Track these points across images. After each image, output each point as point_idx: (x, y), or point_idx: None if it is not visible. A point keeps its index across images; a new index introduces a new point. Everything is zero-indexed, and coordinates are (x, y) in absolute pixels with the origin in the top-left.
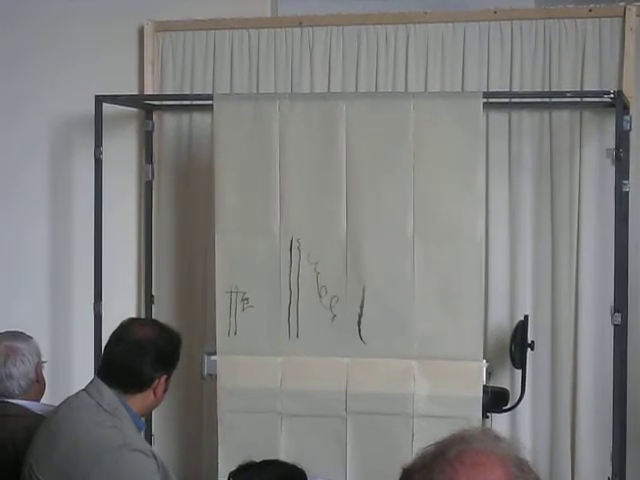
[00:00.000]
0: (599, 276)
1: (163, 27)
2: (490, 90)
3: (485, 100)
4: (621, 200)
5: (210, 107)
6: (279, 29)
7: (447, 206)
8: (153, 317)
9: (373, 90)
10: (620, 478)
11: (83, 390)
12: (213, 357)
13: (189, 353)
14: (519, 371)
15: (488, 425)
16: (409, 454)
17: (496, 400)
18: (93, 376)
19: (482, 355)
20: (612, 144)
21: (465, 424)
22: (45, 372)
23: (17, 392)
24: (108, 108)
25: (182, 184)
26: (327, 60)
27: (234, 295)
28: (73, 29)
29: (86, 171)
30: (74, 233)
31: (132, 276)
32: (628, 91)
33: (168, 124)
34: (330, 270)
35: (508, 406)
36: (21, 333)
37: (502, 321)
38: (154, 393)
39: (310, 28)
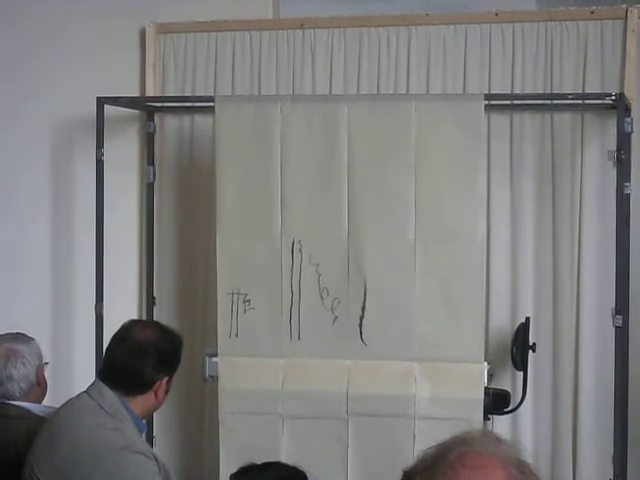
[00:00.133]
0: (600, 278)
1: (165, 29)
2: (492, 92)
3: (487, 102)
4: (622, 202)
5: (212, 109)
6: (281, 31)
7: (448, 208)
8: (154, 319)
9: (375, 92)
10: None
11: (84, 392)
12: (214, 359)
13: (190, 355)
14: (520, 373)
15: (489, 427)
16: (410, 456)
17: (497, 402)
18: (94, 378)
19: (483, 357)
20: (614, 146)
21: (466, 426)
22: (46, 373)
23: (18, 394)
24: (110, 110)
25: (183, 186)
26: (329, 62)
27: (235, 297)
28: (74, 30)
29: (87, 172)
30: (75, 234)
31: (133, 278)
32: (630, 93)
33: (170, 126)
34: (331, 272)
35: (509, 408)
36: (22, 335)
37: (503, 323)
38: (155, 395)
39: (312, 30)
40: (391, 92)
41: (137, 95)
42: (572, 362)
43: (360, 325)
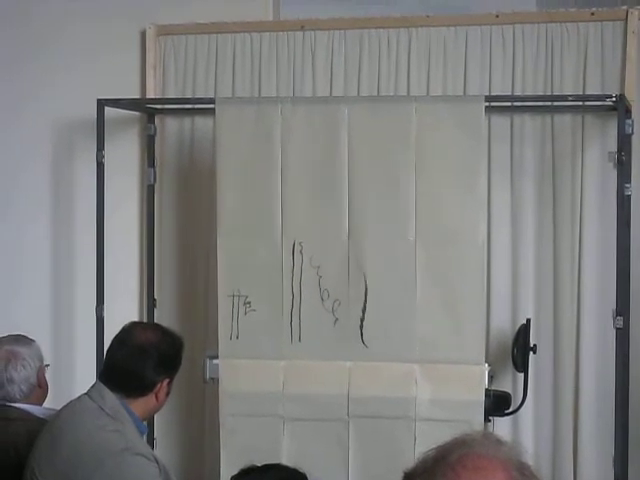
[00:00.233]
0: (601, 279)
1: (165, 31)
2: (492, 94)
3: (487, 104)
4: (623, 204)
5: (212, 111)
6: (281, 33)
7: (449, 210)
8: (155, 321)
9: (375, 94)
10: None
11: (85, 394)
12: (215, 361)
13: (191, 357)
14: (521, 375)
15: (490, 429)
16: (411, 458)
17: (498, 404)
18: (95, 380)
19: (484, 359)
20: (614, 148)
21: (467, 428)
22: (47, 375)
23: (18, 397)
24: (110, 112)
25: (184, 188)
26: (329, 64)
27: (236, 299)
28: (74, 31)
29: (88, 174)
30: (76, 236)
31: (134, 279)
32: (630, 95)
33: (170, 128)
34: (332, 274)
35: (510, 410)
36: (23, 337)
37: (504, 325)
38: (156, 397)
39: (312, 32)
40: (391, 94)
41: (137, 97)
42: (573, 364)
43: (361, 327)
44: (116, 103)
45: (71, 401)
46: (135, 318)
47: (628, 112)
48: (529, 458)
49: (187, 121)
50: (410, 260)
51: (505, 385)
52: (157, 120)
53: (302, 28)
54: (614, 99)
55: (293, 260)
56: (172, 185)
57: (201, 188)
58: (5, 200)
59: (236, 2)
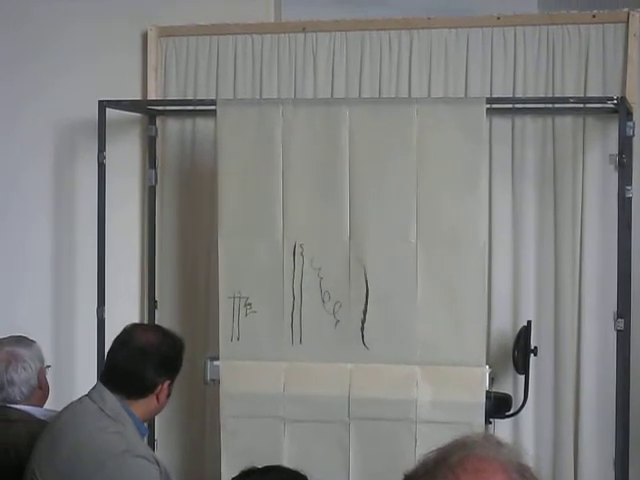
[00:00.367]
0: (602, 282)
1: (166, 32)
2: (493, 96)
3: (488, 106)
4: (624, 206)
5: (213, 112)
6: (282, 34)
7: (450, 211)
8: (156, 322)
9: (376, 96)
10: None
11: (86, 395)
12: (216, 362)
13: (192, 358)
14: (522, 377)
15: (491, 431)
16: (412, 460)
17: (499, 406)
18: (96, 381)
19: (485, 361)
20: (615, 150)
21: (468, 430)
22: (48, 377)
23: (19, 398)
24: (111, 113)
25: (185, 189)
26: (330, 65)
27: (237, 300)
28: (75, 32)
29: (89, 175)
30: (77, 238)
31: (135, 281)
32: (631, 97)
33: (171, 129)
34: (333, 275)
35: (511, 412)
36: (24, 338)
37: (505, 327)
38: (157, 398)
39: (313, 34)
40: (393, 96)
41: (139, 98)
42: (574, 366)
43: (362, 329)
44: (117, 104)
45: (72, 402)
46: (136, 319)
47: (629, 114)
48: (530, 460)
49: (188, 122)
50: (411, 262)
51: (506, 387)
52: (158, 121)
53: (303, 30)
54: (615, 101)
55: (294, 262)
56: (173, 186)
57: (202, 190)
58: (6, 201)
59: (237, 4)
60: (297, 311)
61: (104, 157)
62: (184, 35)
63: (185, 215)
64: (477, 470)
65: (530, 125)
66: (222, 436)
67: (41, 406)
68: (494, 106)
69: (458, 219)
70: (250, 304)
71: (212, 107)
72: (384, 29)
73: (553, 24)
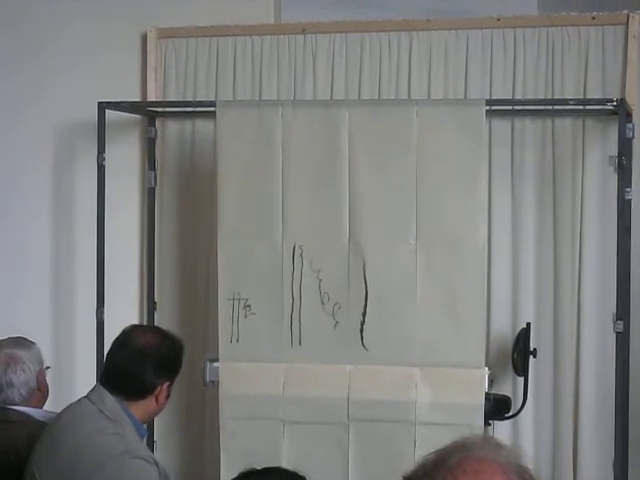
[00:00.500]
0: (601, 284)
1: (166, 34)
2: (493, 98)
3: (488, 107)
4: (624, 208)
5: (213, 114)
6: (282, 36)
7: (450, 213)
8: (155, 324)
9: (376, 97)
10: None
11: (85, 397)
12: (215, 364)
13: (191, 360)
14: (521, 378)
15: (490, 433)
16: (411, 461)
17: (498, 407)
18: (95, 383)
19: (484, 362)
20: (615, 152)
21: (467, 431)
22: (47, 378)
23: (18, 400)
24: (111, 114)
25: (185, 191)
26: (330, 67)
27: (236, 302)
28: (75, 33)
29: (89, 177)
30: (76, 239)
31: (134, 282)
32: (631, 99)
33: (171, 131)
34: (332, 277)
35: (510, 413)
36: (23, 339)
37: (504, 328)
38: (156, 400)
39: (313, 35)
40: (392, 97)
41: (138, 99)
42: (573, 367)
43: (361, 330)
44: (117, 106)
45: (71, 404)
46: (135, 321)
47: (629, 116)
48: (529, 462)
49: (188, 124)
50: (410, 263)
51: (505, 389)
52: (158, 123)
53: (303, 31)
54: (615, 103)
55: (293, 263)
56: (173, 188)
57: (202, 191)
58: (6, 202)
59: (237, 5)
60: (296, 312)
61: (104, 158)
62: (184, 36)
63: (185, 217)
64: (476, 472)
65: (530, 127)
66: (221, 437)
67: (40, 407)
68: (494, 108)
69: (458, 221)
70: (249, 306)
71: (212, 109)
72: (384, 31)
73: (553, 26)
